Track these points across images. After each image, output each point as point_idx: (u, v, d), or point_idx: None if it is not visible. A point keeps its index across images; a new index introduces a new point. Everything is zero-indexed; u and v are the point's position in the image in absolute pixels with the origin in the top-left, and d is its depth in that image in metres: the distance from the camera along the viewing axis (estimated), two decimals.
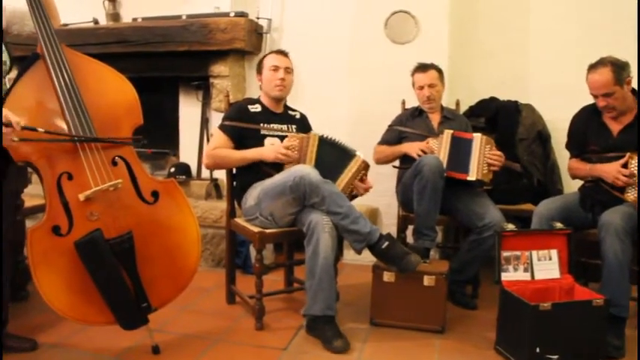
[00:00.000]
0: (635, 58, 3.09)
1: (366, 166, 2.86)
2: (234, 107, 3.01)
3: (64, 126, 2.24)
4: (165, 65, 4.09)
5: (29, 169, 2.36)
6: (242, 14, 3.87)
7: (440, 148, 3.07)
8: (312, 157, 2.78)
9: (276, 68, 2.97)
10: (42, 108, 2.23)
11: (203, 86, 4.10)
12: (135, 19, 4.20)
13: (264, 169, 2.81)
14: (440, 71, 3.33)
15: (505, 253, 2.60)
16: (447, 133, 3.09)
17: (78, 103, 2.23)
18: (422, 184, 2.87)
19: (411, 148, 3.13)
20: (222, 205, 3.76)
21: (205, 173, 4.10)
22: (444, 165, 2.95)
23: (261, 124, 2.92)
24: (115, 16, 4.35)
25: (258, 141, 2.88)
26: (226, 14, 3.89)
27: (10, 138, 2.03)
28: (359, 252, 2.64)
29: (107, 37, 4.15)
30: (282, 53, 3.04)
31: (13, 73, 2.33)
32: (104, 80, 2.39)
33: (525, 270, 2.61)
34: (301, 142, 2.80)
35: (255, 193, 2.79)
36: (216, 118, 3.98)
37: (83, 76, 2.31)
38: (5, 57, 2.26)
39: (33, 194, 3.09)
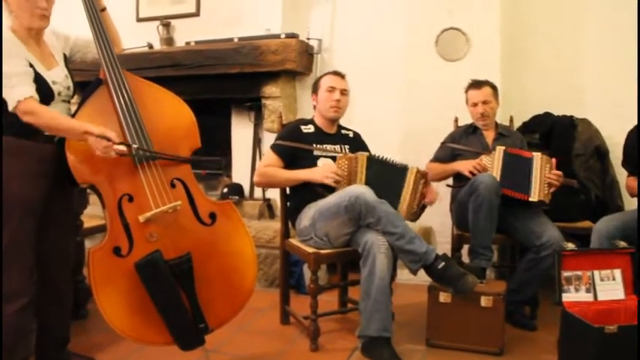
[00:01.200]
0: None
1: (423, 174, 2.86)
2: (287, 128, 3.05)
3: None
4: (217, 87, 4.17)
5: (88, 191, 2.42)
6: (293, 35, 3.92)
7: (492, 165, 3.02)
8: (361, 178, 2.78)
9: (332, 89, 2.99)
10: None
11: (255, 107, 4.16)
12: (188, 43, 4.31)
13: (317, 190, 2.81)
14: (494, 88, 3.28)
15: (566, 274, 2.53)
16: (499, 150, 3.04)
17: (139, 126, 2.28)
18: (478, 202, 2.82)
19: (464, 166, 3.09)
20: (275, 225, 3.80)
21: (258, 193, 4.14)
22: (498, 181, 2.91)
23: (314, 145, 2.93)
24: (168, 41, 4.47)
25: (310, 162, 2.89)
26: (277, 36, 3.95)
27: (108, 152, 2.10)
28: (415, 272, 2.61)
29: (161, 61, 4.26)
30: (339, 75, 3.06)
31: (76, 98, 2.41)
32: (163, 103, 2.44)
33: (587, 291, 2.53)
34: (350, 163, 2.80)
35: (309, 213, 2.79)
36: (268, 139, 4.02)
37: (143, 100, 2.37)
38: (69, 83, 2.33)
39: (91, 215, 3.18)
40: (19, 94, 2.09)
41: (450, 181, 3.28)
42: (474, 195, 2.85)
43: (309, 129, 3.01)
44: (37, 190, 2.22)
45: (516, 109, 3.81)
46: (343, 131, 3.12)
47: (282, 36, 3.93)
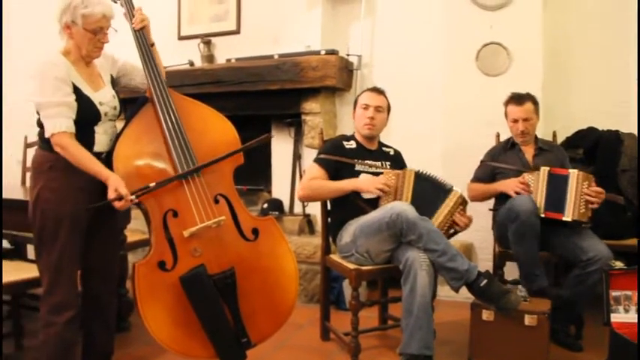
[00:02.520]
0: None
1: (463, 201, 2.83)
2: (329, 143, 3.08)
3: (169, 165, 2.35)
4: (258, 104, 4.23)
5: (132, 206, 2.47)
6: (332, 52, 3.96)
7: (537, 185, 2.98)
8: (408, 194, 2.79)
9: (366, 107, 3.01)
10: (150, 146, 2.36)
11: (295, 123, 4.20)
12: (229, 60, 4.39)
13: (359, 205, 2.83)
14: (535, 102, 3.23)
15: (614, 293, 2.48)
16: (544, 171, 3.00)
17: (184, 142, 2.35)
18: (520, 232, 2.81)
19: (507, 186, 3.05)
20: (315, 240, 3.83)
21: (298, 209, 4.17)
22: (542, 204, 2.89)
23: (356, 160, 2.95)
24: (209, 58, 4.56)
25: (352, 176, 2.91)
26: (317, 52, 4.00)
27: (127, 205, 2.18)
28: (456, 290, 2.59)
29: (203, 78, 4.35)
30: (376, 91, 3.08)
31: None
32: (207, 120, 2.50)
33: (638, 311, 2.47)
34: (397, 178, 2.81)
35: (351, 229, 2.81)
36: (308, 155, 4.06)
37: (188, 117, 2.43)
38: (116, 103, 2.41)
39: (133, 229, 3.25)
40: (54, 126, 2.17)
41: (492, 202, 3.25)
42: (514, 223, 2.83)
43: (351, 145, 3.04)
44: (84, 205, 2.28)
45: (559, 124, 3.77)
46: (384, 148, 3.14)
47: (322, 52, 3.98)
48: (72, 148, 2.19)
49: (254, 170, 4.24)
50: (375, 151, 3.07)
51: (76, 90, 2.24)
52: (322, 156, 2.97)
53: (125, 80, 2.54)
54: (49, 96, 2.17)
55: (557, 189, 2.94)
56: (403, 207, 2.59)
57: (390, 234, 2.61)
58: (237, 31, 4.52)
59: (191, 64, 4.59)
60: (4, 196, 3.13)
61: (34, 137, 4.24)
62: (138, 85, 2.53)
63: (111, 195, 2.15)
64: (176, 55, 4.54)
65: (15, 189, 3.80)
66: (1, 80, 3.88)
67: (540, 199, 2.93)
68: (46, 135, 2.20)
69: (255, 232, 2.43)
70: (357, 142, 3.06)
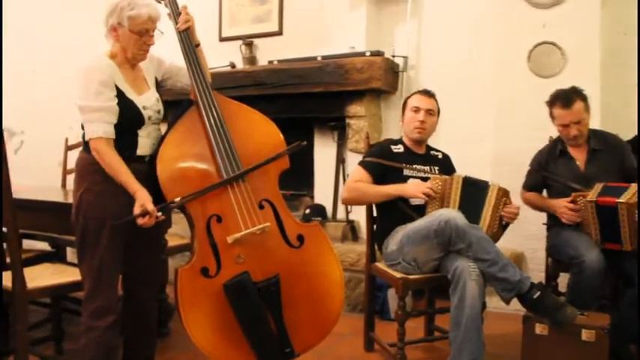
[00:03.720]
0: None
1: (505, 192, 2.80)
2: (376, 146, 3.08)
3: (214, 168, 2.37)
4: (300, 106, 4.25)
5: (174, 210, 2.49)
6: (378, 53, 3.95)
7: (587, 214, 2.84)
8: (455, 200, 2.76)
9: (417, 109, 2.99)
10: (194, 150, 2.39)
11: (339, 127, 4.21)
12: (271, 62, 4.42)
13: (406, 212, 2.82)
14: (584, 99, 2.98)
15: None
16: (588, 205, 2.82)
17: (228, 146, 2.37)
18: (581, 287, 2.72)
19: (558, 209, 2.95)
20: (359, 247, 3.82)
21: (341, 215, 4.17)
22: (598, 237, 2.80)
23: (404, 164, 2.94)
24: (251, 60, 4.60)
25: (400, 181, 2.90)
26: (362, 54, 3.99)
27: (152, 222, 2.21)
28: (507, 302, 2.55)
29: (244, 81, 4.39)
30: (427, 94, 3.05)
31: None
32: (252, 123, 2.52)
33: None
34: (444, 184, 2.79)
35: (397, 237, 2.79)
36: (352, 159, 4.05)
37: (232, 120, 2.45)
38: (160, 106, 2.45)
39: (172, 234, 3.29)
40: (93, 130, 2.23)
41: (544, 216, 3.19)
42: (576, 276, 2.74)
43: (398, 149, 3.03)
44: (126, 210, 2.30)
45: (618, 127, 3.66)
46: (432, 152, 3.12)
47: (367, 54, 3.97)
48: (106, 155, 2.24)
49: (296, 175, 4.19)
50: (424, 156, 3.05)
51: (120, 93, 2.29)
52: (368, 159, 2.96)
53: (171, 82, 2.58)
54: (91, 100, 2.22)
55: (607, 219, 2.79)
56: (452, 214, 2.57)
57: (438, 242, 2.58)
58: (279, 33, 4.55)
59: (232, 66, 4.63)
60: (44, 198, 3.23)
61: (74, 139, 4.39)
62: (184, 87, 2.57)
63: (136, 210, 2.18)
64: (217, 56, 4.56)
65: (55, 191, 3.90)
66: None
67: (595, 230, 2.83)
68: (85, 139, 2.27)
69: (301, 238, 2.43)
70: (405, 146, 3.04)
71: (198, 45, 2.54)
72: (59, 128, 4.81)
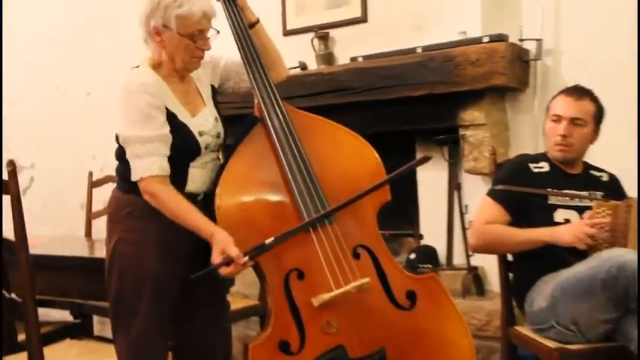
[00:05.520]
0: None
1: None
2: (509, 166, 3.05)
3: (291, 208, 2.37)
4: (396, 116, 4.21)
5: None
6: (500, 38, 3.86)
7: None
8: (634, 236, 2.67)
9: (557, 119, 2.93)
10: (264, 185, 2.40)
11: (450, 140, 4.14)
12: (354, 59, 4.40)
13: (558, 254, 2.76)
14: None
15: None
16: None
17: (308, 177, 2.36)
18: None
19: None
20: (488, 305, 3.76)
21: (459, 259, 4.12)
22: None
23: (550, 190, 2.86)
24: (327, 58, 4.60)
25: (544, 214, 2.85)
26: (478, 40, 3.92)
27: (238, 271, 2.21)
28: None
29: (319, 85, 4.39)
30: (575, 94, 2.97)
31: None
32: (337, 143, 2.52)
33: None
34: (614, 213, 2.71)
35: (547, 290, 2.72)
36: (470, 183, 4.03)
37: (311, 140, 2.46)
38: (219, 128, 2.46)
39: (232, 292, 3.30)
40: (143, 168, 2.25)
41: None
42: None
43: (541, 167, 2.97)
44: (175, 264, 2.33)
45: None
46: (593, 172, 3.05)
47: (486, 40, 3.89)
48: (165, 196, 2.26)
49: (395, 208, 4.18)
50: (580, 177, 3.00)
51: (170, 117, 2.31)
52: (500, 187, 2.89)
53: (232, 85, 2.62)
54: (138, 129, 2.25)
55: None
56: (627, 256, 2.49)
57: (608, 297, 2.50)
58: (363, 19, 4.51)
59: (303, 67, 4.65)
60: (63, 252, 3.29)
61: (99, 173, 4.49)
62: (250, 89, 2.57)
63: (216, 258, 2.18)
64: (282, 55, 4.60)
65: (77, 242, 3.98)
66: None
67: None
68: (133, 178, 2.27)
69: (412, 296, 2.40)
70: (551, 164, 2.98)
71: (254, 24, 2.56)
72: (79, 159, 4.94)
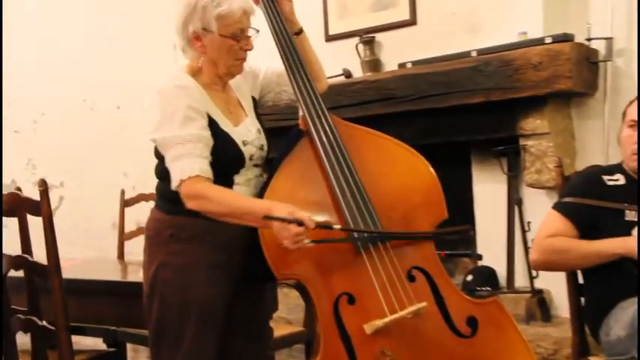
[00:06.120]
0: None
1: None
2: (579, 178, 3.01)
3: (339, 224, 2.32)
4: (449, 126, 4.22)
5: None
6: (565, 38, 3.84)
7: None
8: None
9: (632, 124, 2.86)
10: (311, 202, 2.37)
11: (509, 151, 4.12)
12: (402, 65, 4.41)
13: (636, 276, 2.67)
14: None
15: None
16: None
17: (359, 195, 2.32)
18: None
19: None
20: (554, 331, 3.73)
21: (521, 281, 4.07)
22: None
23: (626, 204, 2.80)
24: (373, 64, 4.61)
25: (619, 230, 2.76)
26: (540, 41, 3.90)
27: (302, 240, 2.12)
28: None
29: (365, 94, 4.41)
30: None
31: None
32: (388, 158, 2.50)
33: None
34: None
35: (626, 317, 2.63)
36: (532, 198, 4.01)
37: (361, 155, 2.43)
38: (263, 140, 2.45)
39: (275, 318, 3.26)
40: (183, 170, 2.21)
41: None
42: None
43: (616, 180, 2.90)
44: (222, 288, 2.32)
45: None
46: None
47: (548, 40, 3.87)
48: (211, 192, 2.22)
49: (448, 225, 4.15)
50: None
51: (212, 124, 2.30)
52: (568, 199, 2.84)
53: (272, 97, 2.61)
54: (177, 129, 2.23)
55: None
56: None
57: None
58: (412, 22, 4.52)
59: (347, 74, 4.66)
60: (95, 276, 3.30)
61: (131, 191, 4.51)
62: (292, 98, 2.56)
63: (283, 234, 2.10)
64: (324, 62, 4.57)
65: (109, 265, 3.99)
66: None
67: None
68: (173, 185, 2.24)
69: (473, 322, 2.36)
70: (628, 176, 2.90)
71: (299, 33, 2.55)
72: (110, 176, 4.97)
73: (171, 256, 2.32)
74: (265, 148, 2.46)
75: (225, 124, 2.33)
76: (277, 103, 2.62)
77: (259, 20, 2.46)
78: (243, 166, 2.35)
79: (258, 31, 2.38)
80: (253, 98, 2.53)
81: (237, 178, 2.36)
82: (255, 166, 2.42)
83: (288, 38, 2.50)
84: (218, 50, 2.31)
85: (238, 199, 2.26)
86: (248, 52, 2.42)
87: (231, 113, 2.39)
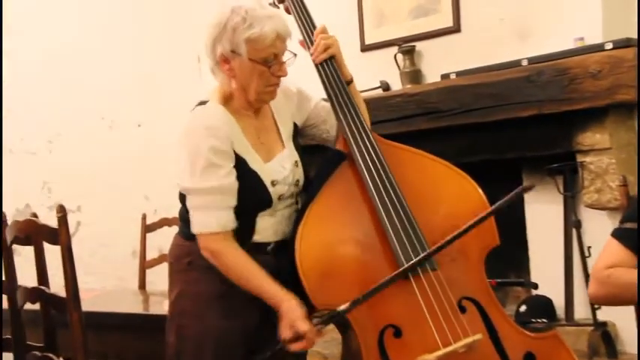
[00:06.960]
0: None
1: None
2: None
3: (382, 252, 2.34)
4: (498, 142, 4.21)
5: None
6: (627, 43, 3.81)
7: None
8: None
9: None
10: (352, 230, 2.38)
11: (565, 169, 4.09)
12: (446, 77, 4.40)
13: None
14: None
15: None
16: None
17: (406, 218, 2.33)
18: None
19: None
20: None
21: (581, 312, 4.04)
22: None
23: None
24: (414, 75, 4.62)
25: None
26: (599, 47, 3.88)
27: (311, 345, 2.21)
28: None
29: (405, 108, 4.41)
30: None
31: None
32: (435, 180, 2.50)
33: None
34: None
35: None
36: (592, 220, 3.99)
37: (405, 177, 2.43)
38: (299, 174, 2.45)
39: (310, 352, 3.25)
40: (203, 223, 2.27)
41: None
42: None
43: None
44: (238, 320, 2.33)
45: None
46: None
47: (609, 46, 3.83)
48: (225, 257, 2.27)
49: (499, 251, 4.12)
50: None
51: (239, 162, 2.30)
52: (628, 225, 2.77)
53: (314, 132, 2.60)
54: (198, 179, 2.26)
55: None
56: None
57: None
58: (455, 29, 4.55)
59: (385, 87, 4.68)
60: (113, 308, 3.30)
61: (153, 216, 4.52)
62: (330, 138, 2.59)
63: (286, 333, 2.17)
64: (360, 74, 4.52)
65: (129, 296, 4.00)
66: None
67: None
68: (192, 230, 2.29)
69: (530, 358, 2.33)
70: None
71: (349, 82, 2.54)
72: (131, 200, 4.99)
73: (188, 284, 2.35)
74: (301, 182, 2.45)
75: (254, 161, 2.34)
76: (314, 137, 2.62)
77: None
78: (269, 206, 2.35)
79: (295, 55, 2.37)
80: (295, 125, 2.52)
81: (262, 213, 2.36)
82: (287, 199, 2.42)
83: (337, 78, 2.49)
84: (248, 75, 2.30)
85: (252, 276, 2.26)
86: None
87: (263, 144, 2.39)
